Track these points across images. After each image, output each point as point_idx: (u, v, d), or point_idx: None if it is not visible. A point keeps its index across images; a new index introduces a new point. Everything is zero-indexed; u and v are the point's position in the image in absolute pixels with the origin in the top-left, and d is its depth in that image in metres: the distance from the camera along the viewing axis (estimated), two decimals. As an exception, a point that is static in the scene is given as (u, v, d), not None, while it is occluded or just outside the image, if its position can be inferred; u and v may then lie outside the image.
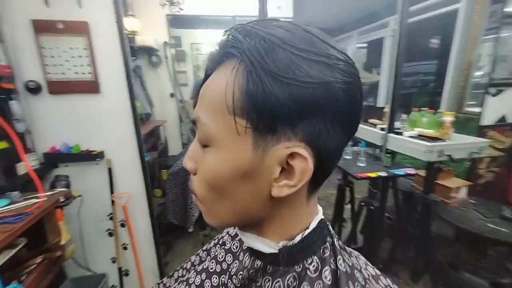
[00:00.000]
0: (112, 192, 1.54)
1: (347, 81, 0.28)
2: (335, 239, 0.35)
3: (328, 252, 0.33)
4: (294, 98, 0.25)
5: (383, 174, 1.61)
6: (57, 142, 1.42)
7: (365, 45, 4.71)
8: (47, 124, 1.41)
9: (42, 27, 1.30)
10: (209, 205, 0.33)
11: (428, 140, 1.51)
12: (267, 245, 0.34)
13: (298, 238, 0.33)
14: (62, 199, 1.12)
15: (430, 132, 1.61)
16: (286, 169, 0.29)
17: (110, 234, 1.60)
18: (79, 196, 1.46)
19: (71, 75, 1.37)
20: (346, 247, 0.38)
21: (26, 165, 1.15)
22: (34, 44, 1.31)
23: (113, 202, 1.55)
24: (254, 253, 0.36)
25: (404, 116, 1.84)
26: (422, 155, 1.47)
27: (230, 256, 0.41)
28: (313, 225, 0.34)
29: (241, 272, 0.36)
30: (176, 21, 3.16)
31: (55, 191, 1.15)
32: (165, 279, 0.55)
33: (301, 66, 0.26)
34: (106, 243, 1.61)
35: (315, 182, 0.32)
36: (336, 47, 0.29)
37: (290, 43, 0.26)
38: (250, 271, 0.35)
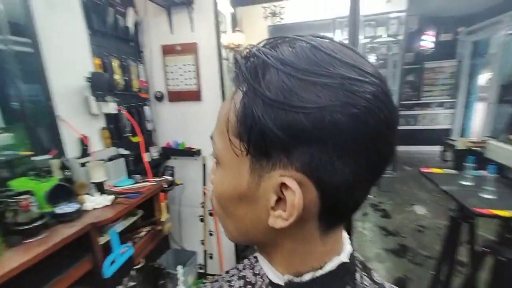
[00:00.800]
0: (204, 185, 1.81)
1: (357, 105, 0.23)
2: None
3: None
4: (283, 124, 0.23)
5: (526, 215, 1.13)
6: (170, 139, 1.81)
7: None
8: (165, 125, 1.82)
9: (167, 50, 1.69)
10: (220, 220, 0.35)
11: None
12: (274, 275, 0.32)
13: (306, 277, 0.29)
14: (165, 185, 1.42)
15: None
16: (283, 199, 0.27)
17: (201, 220, 1.89)
18: (181, 184, 1.80)
19: (182, 86, 1.71)
20: None
21: (143, 157, 1.52)
22: (161, 63, 1.71)
23: (204, 193, 1.81)
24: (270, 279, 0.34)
25: None
26: None
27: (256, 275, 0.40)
28: (330, 266, 0.30)
29: None
30: (277, 31, 3.34)
31: (161, 178, 1.47)
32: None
33: (294, 89, 0.23)
34: (198, 227, 1.91)
35: (327, 219, 0.28)
36: (358, 65, 0.24)
37: (289, 63, 0.24)
38: None
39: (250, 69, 0.25)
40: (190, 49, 1.64)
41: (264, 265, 0.34)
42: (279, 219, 0.27)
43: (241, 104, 0.25)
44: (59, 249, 0.88)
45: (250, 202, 0.29)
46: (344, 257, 0.31)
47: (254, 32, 3.30)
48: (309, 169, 0.24)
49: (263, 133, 0.24)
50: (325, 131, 0.23)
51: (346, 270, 0.30)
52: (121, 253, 1.08)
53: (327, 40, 0.26)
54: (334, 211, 0.27)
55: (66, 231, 0.93)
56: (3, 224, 0.84)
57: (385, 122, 0.24)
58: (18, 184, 0.98)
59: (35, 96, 1.14)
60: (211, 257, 1.95)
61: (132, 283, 1.38)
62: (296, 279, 0.30)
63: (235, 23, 3.01)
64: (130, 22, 1.55)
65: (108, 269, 1.00)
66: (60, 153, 1.15)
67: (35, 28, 1.07)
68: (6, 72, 1.06)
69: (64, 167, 1.10)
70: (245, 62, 0.26)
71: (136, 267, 1.38)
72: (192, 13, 1.59)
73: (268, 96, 0.23)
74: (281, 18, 3.34)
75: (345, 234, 0.34)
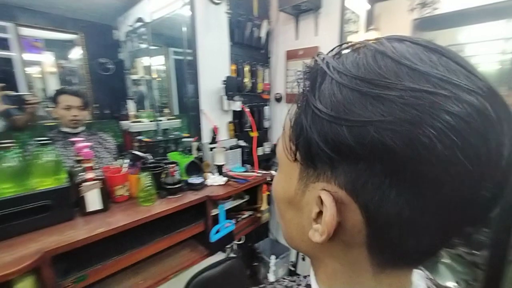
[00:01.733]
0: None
1: (418, 123, 0.18)
2: None
3: None
4: (327, 137, 0.22)
5: None
6: (281, 137, 1.95)
7: None
8: (278, 124, 1.97)
9: (290, 55, 1.82)
10: (278, 219, 0.36)
11: None
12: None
13: None
14: (269, 178, 1.56)
15: None
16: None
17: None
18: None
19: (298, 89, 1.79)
20: None
21: (254, 151, 1.72)
22: (284, 67, 1.86)
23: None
24: None
25: None
26: None
27: None
28: None
29: None
30: (425, 24, 2.78)
31: (267, 172, 1.62)
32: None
33: (342, 101, 0.21)
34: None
35: (381, 253, 0.25)
36: (439, 73, 0.19)
37: (344, 72, 0.22)
38: None
39: (310, 77, 0.25)
40: (311, 53, 1.69)
41: (312, 280, 0.33)
42: (316, 233, 0.26)
43: (296, 111, 0.26)
44: (186, 208, 1.18)
45: (296, 209, 0.29)
46: None
47: (394, 29, 2.89)
48: (352, 188, 0.22)
49: (309, 143, 0.24)
50: (370, 150, 0.20)
51: None
52: (225, 226, 1.30)
53: (407, 43, 0.22)
54: (389, 247, 0.24)
55: (192, 197, 1.23)
56: (158, 182, 1.22)
57: (473, 155, 0.18)
58: (172, 156, 1.39)
59: (191, 94, 1.56)
60: (303, 259, 1.96)
61: (233, 254, 1.62)
62: None
63: (370, 21, 2.77)
64: (263, 33, 1.78)
65: (214, 236, 1.25)
66: (199, 138, 1.52)
67: (196, 42, 1.45)
68: (182, 75, 1.51)
69: (199, 149, 1.45)
70: (308, 70, 0.26)
71: (238, 242, 1.61)
72: (318, 17, 1.62)
73: (317, 107, 0.23)
74: (434, 8, 2.74)
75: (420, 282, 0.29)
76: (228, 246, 1.55)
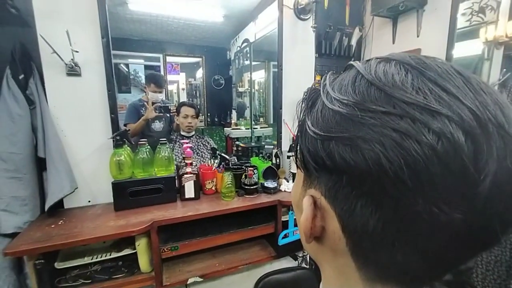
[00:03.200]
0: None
1: (369, 140, 0.20)
2: None
3: None
4: (309, 148, 0.25)
5: None
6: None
7: None
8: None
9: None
10: None
11: None
12: None
13: None
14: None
15: None
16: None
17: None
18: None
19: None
20: None
21: None
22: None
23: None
24: None
25: None
26: None
27: None
28: None
29: None
30: None
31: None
32: None
33: (321, 118, 0.24)
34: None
35: (366, 267, 0.25)
36: (408, 96, 0.19)
37: (332, 94, 0.24)
38: None
39: (310, 98, 0.27)
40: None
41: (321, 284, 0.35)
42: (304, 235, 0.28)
43: (298, 125, 0.30)
44: (259, 208, 1.30)
45: (300, 211, 0.31)
46: None
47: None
48: (329, 196, 0.24)
49: (302, 153, 0.27)
50: (335, 163, 0.22)
51: None
52: (294, 233, 1.34)
53: (393, 63, 0.22)
54: (369, 259, 0.24)
55: (265, 199, 1.34)
56: (238, 182, 1.40)
57: (422, 175, 0.18)
58: (253, 160, 1.56)
59: (276, 105, 1.69)
60: None
61: (304, 265, 1.62)
62: None
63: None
64: (354, 41, 1.70)
65: (281, 240, 1.30)
66: (278, 146, 1.62)
67: (282, 56, 1.57)
68: (275, 86, 1.68)
69: (277, 156, 1.55)
70: (310, 92, 0.29)
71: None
72: (421, 16, 1.40)
73: (307, 123, 0.26)
74: None
75: None
76: (300, 255, 1.56)
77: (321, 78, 0.30)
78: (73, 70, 1.13)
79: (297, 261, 1.57)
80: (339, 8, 1.65)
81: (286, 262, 1.52)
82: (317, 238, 0.28)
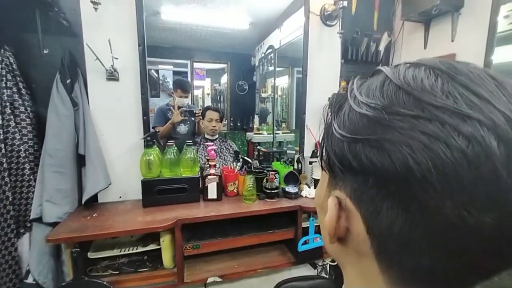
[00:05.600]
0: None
1: (394, 142, 0.20)
2: None
3: None
4: (335, 150, 0.26)
5: None
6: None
7: None
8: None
9: (416, 67, 1.58)
10: None
11: None
12: None
13: None
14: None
15: None
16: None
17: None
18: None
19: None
20: None
21: None
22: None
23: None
24: None
25: None
26: None
27: None
28: None
29: None
30: None
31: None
32: None
33: (348, 121, 0.25)
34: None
35: (391, 270, 0.25)
36: (437, 100, 0.20)
37: (360, 97, 0.25)
38: None
39: (338, 102, 0.28)
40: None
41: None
42: (328, 235, 0.28)
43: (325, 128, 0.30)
44: (279, 213, 1.30)
45: (324, 213, 0.31)
46: None
47: None
48: (355, 197, 0.25)
49: (328, 155, 0.28)
50: (362, 164, 0.22)
51: None
52: (314, 240, 1.32)
53: (422, 68, 0.23)
54: (394, 263, 0.24)
55: (286, 203, 1.34)
56: (260, 185, 1.41)
57: (451, 178, 0.18)
58: (274, 165, 1.57)
59: (300, 110, 1.70)
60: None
61: (324, 274, 1.58)
62: None
63: None
64: (382, 46, 1.66)
65: (301, 246, 1.29)
66: (301, 151, 1.62)
67: (307, 62, 1.58)
68: (298, 92, 1.69)
69: (299, 161, 1.55)
70: (337, 93, 0.30)
71: (332, 263, 1.56)
72: (457, 20, 1.34)
73: (333, 125, 0.26)
74: None
75: None
76: (320, 264, 1.53)
77: (347, 84, 0.31)
78: (112, 75, 1.23)
79: (316, 270, 1.54)
80: (367, 13, 1.62)
81: (305, 270, 1.49)
82: (340, 239, 0.28)
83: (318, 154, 0.32)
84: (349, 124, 0.24)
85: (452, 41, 1.36)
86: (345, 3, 1.42)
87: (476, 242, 0.19)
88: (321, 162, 0.30)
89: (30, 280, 1.12)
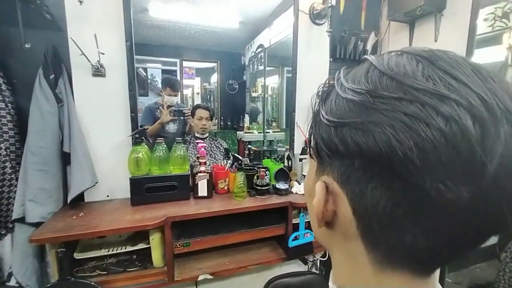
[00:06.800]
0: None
1: (380, 124, 0.21)
2: None
3: None
4: (323, 136, 0.26)
5: None
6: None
7: None
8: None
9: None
10: None
11: None
12: (331, 281, 0.33)
13: None
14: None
15: None
16: None
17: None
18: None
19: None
20: None
21: None
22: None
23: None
24: None
25: None
26: None
27: None
28: None
29: None
30: None
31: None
32: None
33: (335, 106, 0.25)
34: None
35: (376, 250, 0.26)
36: (418, 83, 0.21)
37: (346, 84, 0.26)
38: None
39: (325, 88, 0.29)
40: (428, 61, 1.46)
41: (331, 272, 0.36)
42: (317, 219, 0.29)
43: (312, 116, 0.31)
44: (270, 209, 1.31)
45: (312, 199, 0.32)
46: None
47: None
48: (342, 181, 0.26)
49: (316, 142, 0.28)
50: (348, 147, 0.23)
51: None
52: (304, 236, 1.33)
53: (404, 55, 0.24)
54: (379, 242, 0.25)
55: (276, 200, 1.34)
56: (250, 182, 1.41)
57: (431, 156, 0.19)
58: (265, 162, 1.58)
59: (289, 108, 1.71)
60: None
61: (315, 270, 1.60)
62: None
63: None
64: (369, 45, 1.70)
65: (291, 242, 1.30)
66: (291, 148, 1.63)
67: (297, 60, 1.59)
68: (288, 92, 1.70)
69: (289, 158, 1.56)
70: (325, 82, 0.30)
71: (322, 259, 1.58)
72: (439, 20, 1.39)
73: (321, 113, 0.27)
74: None
75: None
76: (310, 259, 1.54)
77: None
78: (98, 71, 1.20)
79: (307, 266, 1.56)
80: (355, 13, 1.66)
81: (296, 266, 1.51)
82: (328, 223, 0.29)
83: (306, 140, 0.33)
84: (336, 110, 0.25)
85: (436, 41, 1.41)
86: (334, 2, 1.44)
87: (453, 216, 0.20)
88: (309, 150, 0.30)
89: (12, 282, 1.08)
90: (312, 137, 0.29)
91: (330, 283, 0.32)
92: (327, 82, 0.30)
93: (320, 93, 0.29)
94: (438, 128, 0.19)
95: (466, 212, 0.20)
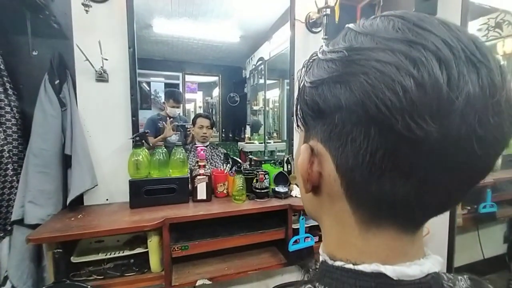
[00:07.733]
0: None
1: (356, 74, 0.22)
2: None
3: None
4: (306, 100, 0.28)
5: None
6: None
7: None
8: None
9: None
10: None
11: None
12: (321, 249, 0.33)
13: (338, 263, 0.28)
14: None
15: None
16: None
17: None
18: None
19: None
20: None
21: None
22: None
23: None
24: None
25: None
26: None
27: None
28: (363, 268, 0.26)
29: None
30: None
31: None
32: None
33: (317, 69, 0.27)
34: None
35: (360, 208, 0.26)
36: (389, 34, 0.22)
37: (327, 49, 0.27)
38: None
39: (309, 59, 0.30)
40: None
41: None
42: (303, 181, 0.30)
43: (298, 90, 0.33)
44: (269, 212, 1.29)
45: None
46: (389, 271, 0.25)
47: None
48: (325, 140, 0.26)
49: (301, 109, 0.29)
50: (328, 103, 0.24)
51: (384, 280, 0.25)
52: (305, 240, 1.30)
53: (378, 18, 0.25)
54: (362, 197, 0.26)
55: (276, 203, 1.33)
56: (250, 185, 1.41)
57: (401, 97, 0.20)
58: (264, 166, 1.58)
59: (289, 118, 1.74)
60: None
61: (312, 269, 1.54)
62: (329, 261, 0.29)
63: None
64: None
65: (291, 246, 1.27)
66: (290, 152, 1.63)
67: (294, 67, 1.64)
68: (289, 103, 1.74)
69: (288, 162, 1.56)
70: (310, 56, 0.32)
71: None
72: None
73: (305, 79, 0.29)
74: None
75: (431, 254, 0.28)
76: (312, 268, 1.49)
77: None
78: (101, 76, 1.25)
79: (309, 275, 1.50)
80: (350, 21, 1.67)
81: (298, 275, 1.45)
82: (314, 188, 0.29)
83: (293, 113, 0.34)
84: (317, 71, 0.26)
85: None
86: (328, 11, 1.50)
87: (427, 155, 0.21)
88: (296, 120, 0.31)
89: (8, 286, 1.06)
90: (298, 107, 0.29)
91: (321, 251, 0.31)
92: (312, 55, 0.32)
93: (305, 65, 0.31)
94: (407, 71, 0.20)
95: (440, 150, 0.21)
